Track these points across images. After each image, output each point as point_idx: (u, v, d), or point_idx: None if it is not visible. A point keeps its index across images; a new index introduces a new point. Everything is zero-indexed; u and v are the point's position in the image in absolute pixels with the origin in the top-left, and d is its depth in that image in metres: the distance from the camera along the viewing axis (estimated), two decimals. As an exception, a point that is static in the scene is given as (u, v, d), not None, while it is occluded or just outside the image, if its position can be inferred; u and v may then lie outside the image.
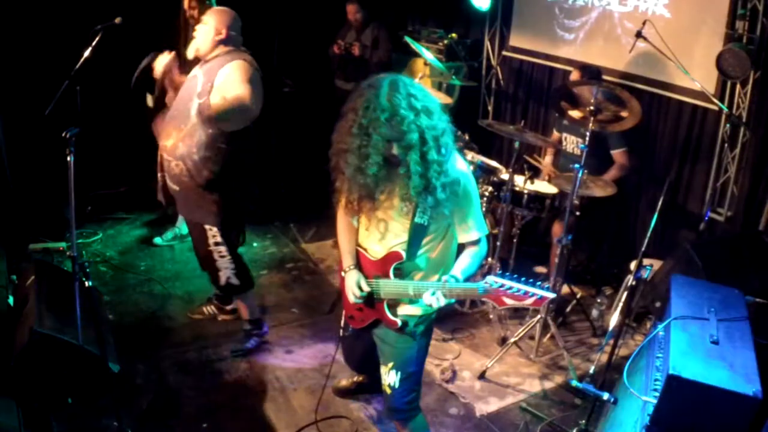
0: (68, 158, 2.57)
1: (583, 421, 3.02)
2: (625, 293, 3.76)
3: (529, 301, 2.14)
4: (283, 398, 3.31)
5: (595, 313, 4.24)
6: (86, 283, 2.67)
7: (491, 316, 4.05)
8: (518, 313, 4.20)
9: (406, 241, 2.34)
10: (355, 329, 2.65)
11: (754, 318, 2.41)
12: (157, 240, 4.80)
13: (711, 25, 4.07)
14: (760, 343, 2.27)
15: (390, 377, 2.51)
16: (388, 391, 2.54)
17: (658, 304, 3.53)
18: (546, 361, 3.74)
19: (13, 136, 4.41)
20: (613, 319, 3.82)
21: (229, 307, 3.92)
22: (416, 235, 2.33)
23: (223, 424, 3.08)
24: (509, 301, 2.16)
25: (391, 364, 2.50)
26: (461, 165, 2.34)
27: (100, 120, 4.67)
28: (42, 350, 2.85)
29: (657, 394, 2.14)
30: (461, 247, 2.45)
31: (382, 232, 2.40)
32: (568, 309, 4.21)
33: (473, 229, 2.37)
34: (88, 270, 2.68)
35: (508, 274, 2.20)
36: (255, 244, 4.94)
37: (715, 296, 2.53)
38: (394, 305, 2.45)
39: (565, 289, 4.26)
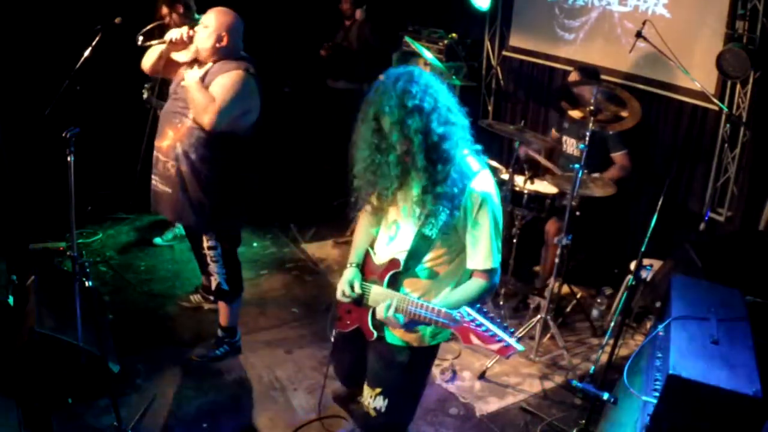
0: (68, 158, 2.57)
1: (583, 421, 3.02)
2: (625, 293, 3.76)
3: (495, 346, 1.93)
4: (283, 398, 3.30)
5: (595, 313, 4.24)
6: (86, 283, 2.67)
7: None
8: (518, 313, 4.21)
9: (407, 250, 2.17)
10: (342, 334, 2.44)
11: (754, 318, 2.41)
12: (157, 240, 4.80)
13: (711, 25, 4.07)
14: (760, 343, 2.27)
15: (377, 401, 2.30)
16: (372, 414, 2.32)
17: (658, 304, 3.53)
18: (546, 361, 3.74)
19: (13, 136, 4.41)
20: (613, 319, 3.82)
21: (212, 297, 3.89)
22: (420, 246, 2.14)
23: (223, 424, 3.08)
24: (475, 340, 1.95)
25: (379, 390, 2.31)
26: (482, 182, 2.12)
27: (100, 120, 4.67)
28: (42, 350, 2.85)
29: (657, 394, 2.14)
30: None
31: (392, 236, 2.26)
32: (568, 309, 4.21)
33: (479, 257, 2.11)
34: (88, 270, 2.68)
35: (484, 310, 2.00)
36: (255, 244, 4.94)
37: (715, 296, 2.53)
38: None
39: (565, 289, 4.27)
